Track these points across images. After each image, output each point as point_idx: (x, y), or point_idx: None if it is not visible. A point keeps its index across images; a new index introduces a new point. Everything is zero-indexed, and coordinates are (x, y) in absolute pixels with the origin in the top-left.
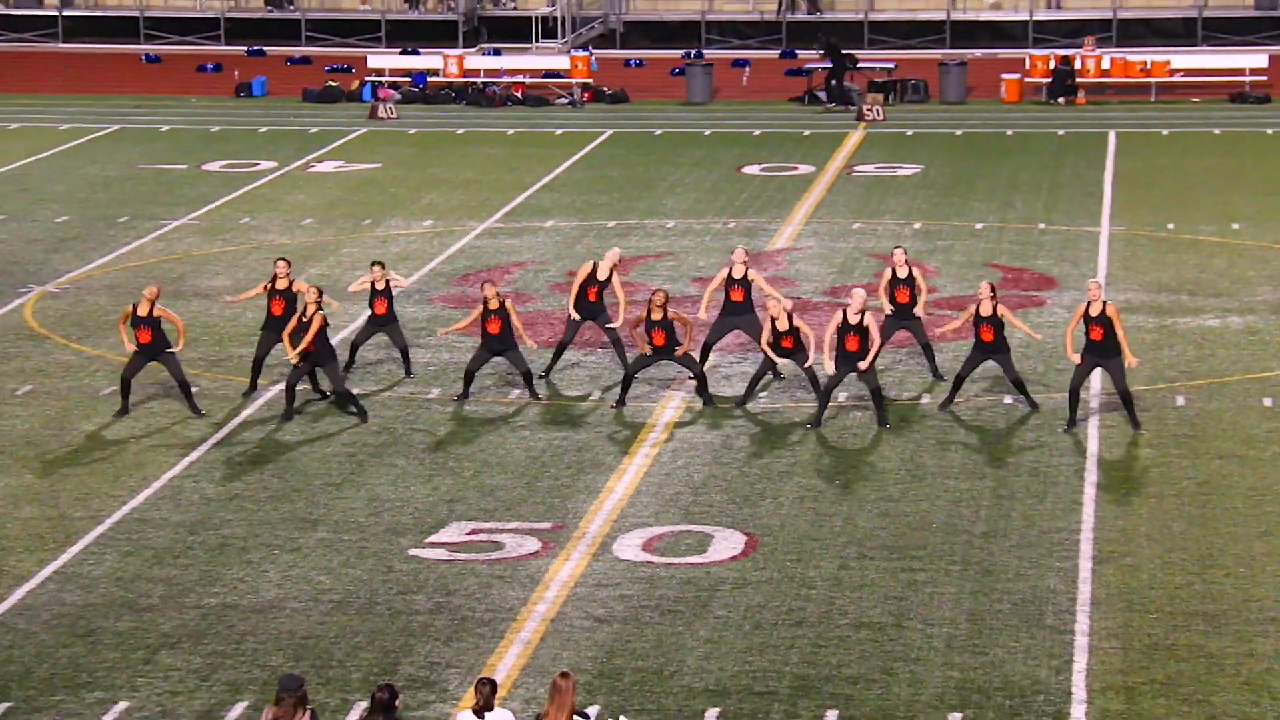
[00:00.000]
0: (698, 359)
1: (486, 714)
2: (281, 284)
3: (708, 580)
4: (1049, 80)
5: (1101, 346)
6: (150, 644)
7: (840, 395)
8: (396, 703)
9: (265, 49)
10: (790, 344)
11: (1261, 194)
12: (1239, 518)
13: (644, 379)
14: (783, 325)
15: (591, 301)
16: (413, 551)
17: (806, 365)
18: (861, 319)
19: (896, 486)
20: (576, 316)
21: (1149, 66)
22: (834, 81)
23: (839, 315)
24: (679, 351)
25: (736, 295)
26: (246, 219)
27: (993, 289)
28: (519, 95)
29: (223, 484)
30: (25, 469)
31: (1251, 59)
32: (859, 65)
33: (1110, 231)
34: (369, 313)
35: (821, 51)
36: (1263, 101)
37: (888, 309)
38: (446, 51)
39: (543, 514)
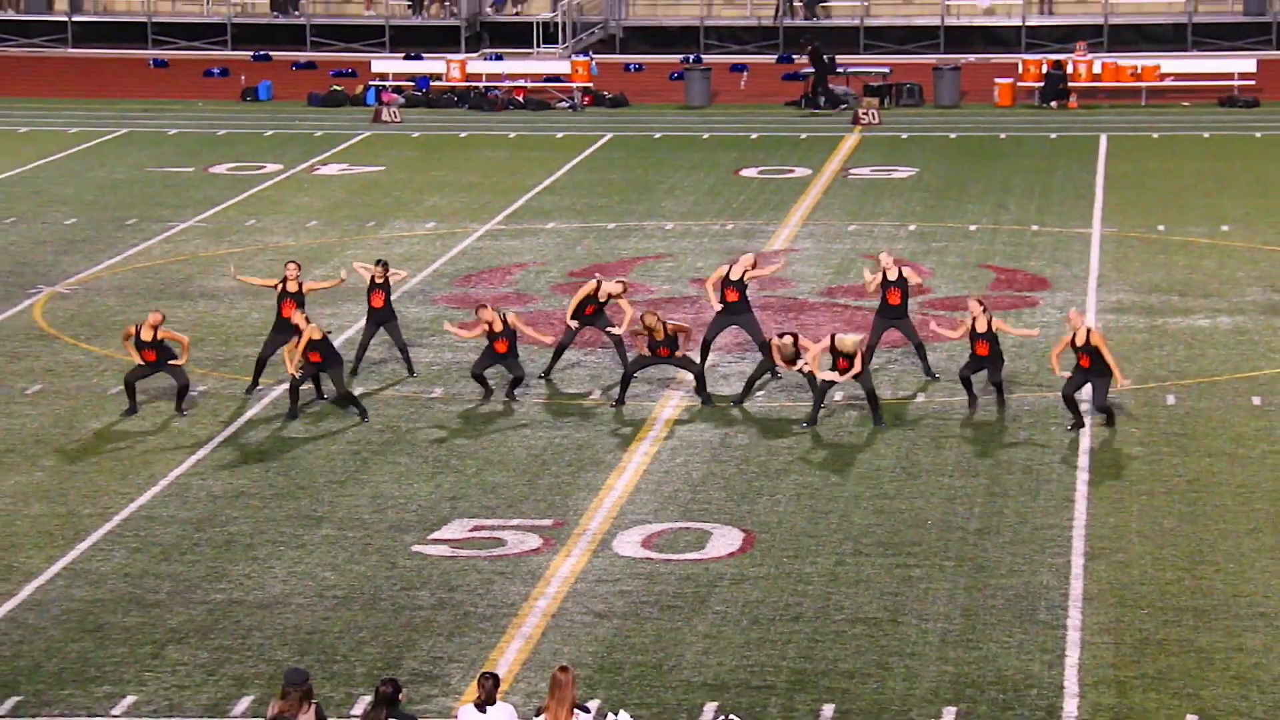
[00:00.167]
0: (697, 359)
1: (488, 708)
2: (292, 286)
3: (706, 576)
4: (1041, 84)
5: (1090, 371)
6: (158, 639)
7: (836, 395)
8: (400, 696)
9: (271, 54)
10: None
11: (1250, 196)
12: (1228, 514)
13: (643, 378)
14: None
15: (589, 314)
16: (416, 548)
17: (805, 369)
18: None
19: (892, 484)
20: (575, 325)
21: (1140, 71)
22: (819, 86)
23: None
24: (678, 354)
25: (732, 296)
26: (252, 221)
27: (983, 304)
28: (520, 99)
29: (229, 481)
30: (35, 467)
31: (1240, 64)
32: (852, 71)
33: (1102, 233)
34: (367, 308)
35: (805, 57)
36: (1251, 105)
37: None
38: (449, 56)
39: (544, 511)
